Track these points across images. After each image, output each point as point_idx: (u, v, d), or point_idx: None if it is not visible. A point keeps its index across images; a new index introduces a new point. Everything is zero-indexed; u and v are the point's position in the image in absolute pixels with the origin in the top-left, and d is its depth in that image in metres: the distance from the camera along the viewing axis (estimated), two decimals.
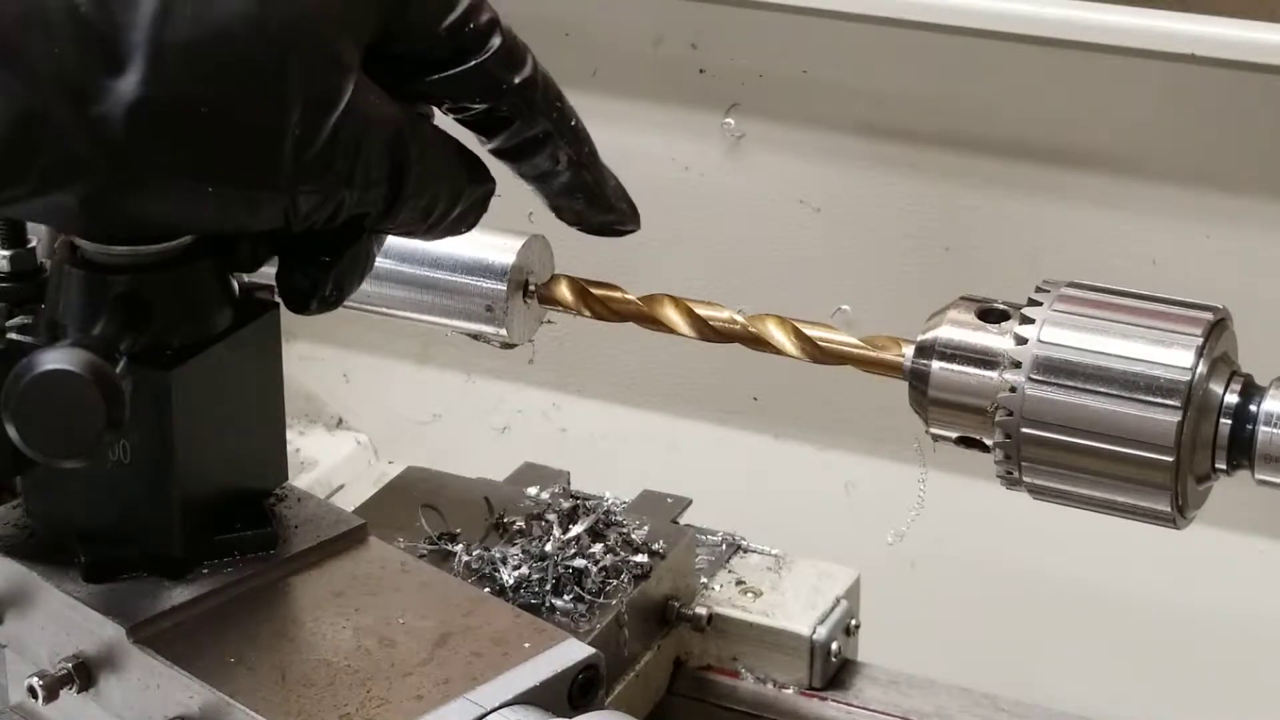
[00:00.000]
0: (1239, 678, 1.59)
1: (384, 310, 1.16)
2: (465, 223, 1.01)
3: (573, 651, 0.98)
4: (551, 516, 1.26)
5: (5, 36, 0.84)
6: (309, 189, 0.91)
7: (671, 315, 1.11)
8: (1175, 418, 0.98)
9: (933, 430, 1.06)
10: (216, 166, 0.89)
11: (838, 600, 1.32)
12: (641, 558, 1.25)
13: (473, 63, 0.97)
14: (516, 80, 0.99)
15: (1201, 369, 0.99)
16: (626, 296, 1.13)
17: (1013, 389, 1.01)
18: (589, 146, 1.04)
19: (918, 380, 1.05)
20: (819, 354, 1.08)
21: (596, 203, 1.06)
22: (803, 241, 1.64)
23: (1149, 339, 1.00)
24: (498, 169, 1.02)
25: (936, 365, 1.04)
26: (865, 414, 1.63)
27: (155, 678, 0.97)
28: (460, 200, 1.00)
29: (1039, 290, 1.04)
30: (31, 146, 0.86)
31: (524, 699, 0.95)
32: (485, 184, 1.01)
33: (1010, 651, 1.63)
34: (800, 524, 1.55)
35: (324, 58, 0.90)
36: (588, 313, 1.14)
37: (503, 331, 1.14)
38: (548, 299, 1.15)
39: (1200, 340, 0.99)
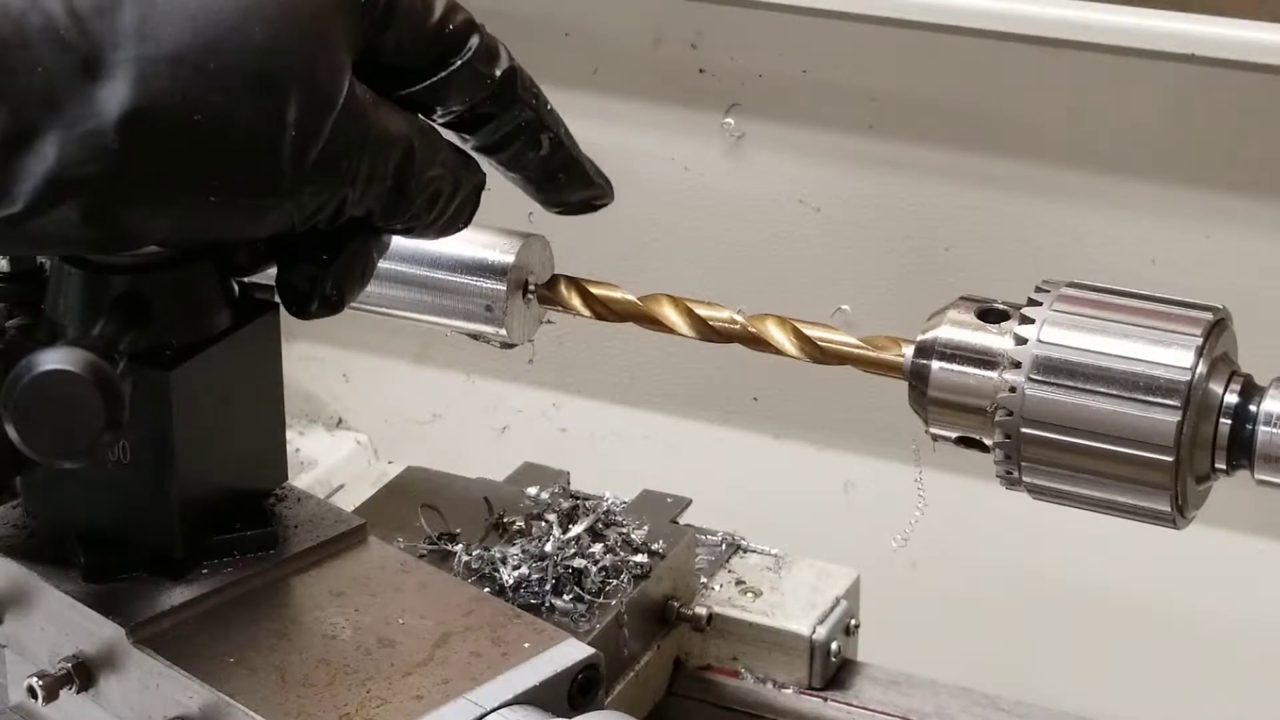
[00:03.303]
0: (1239, 678, 1.59)
1: (384, 310, 1.16)
2: (462, 217, 1.02)
3: (573, 651, 0.98)
4: (551, 516, 1.26)
5: None
6: (312, 190, 0.91)
7: (671, 315, 1.11)
8: (1175, 418, 0.98)
9: (933, 430, 1.05)
10: (216, 175, 0.89)
11: (837, 600, 1.31)
12: (641, 558, 1.25)
13: (458, 63, 0.98)
14: (498, 73, 0.99)
15: (1201, 369, 0.99)
16: (626, 296, 1.13)
17: (1012, 389, 1.01)
18: (564, 127, 1.05)
19: (917, 380, 1.05)
20: (819, 354, 1.08)
21: (578, 177, 1.06)
22: (803, 241, 1.64)
23: (1149, 339, 1.00)
24: (487, 166, 1.03)
25: (936, 365, 1.04)
26: (865, 414, 1.63)
27: (155, 678, 0.97)
28: (458, 193, 1.00)
29: (1039, 290, 1.03)
30: (22, 165, 0.86)
31: (524, 699, 0.95)
32: (477, 175, 1.02)
33: (1010, 651, 1.63)
34: (800, 524, 1.55)
35: (315, 61, 0.90)
36: (588, 313, 1.14)
37: (502, 331, 1.14)
38: (547, 299, 1.15)
39: (1200, 340, 0.99)
